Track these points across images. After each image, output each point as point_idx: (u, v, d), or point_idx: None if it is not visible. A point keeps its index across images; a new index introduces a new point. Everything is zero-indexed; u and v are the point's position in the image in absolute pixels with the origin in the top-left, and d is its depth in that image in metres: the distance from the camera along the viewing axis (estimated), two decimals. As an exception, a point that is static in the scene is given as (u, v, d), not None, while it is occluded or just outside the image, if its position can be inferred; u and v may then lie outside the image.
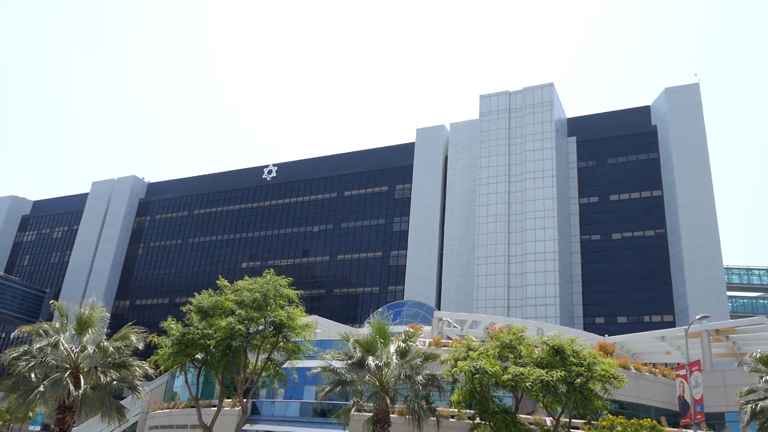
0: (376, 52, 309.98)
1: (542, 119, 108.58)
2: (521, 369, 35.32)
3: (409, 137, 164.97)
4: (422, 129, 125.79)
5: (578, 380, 35.19)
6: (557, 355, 36.25)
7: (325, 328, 59.17)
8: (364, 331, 41.25)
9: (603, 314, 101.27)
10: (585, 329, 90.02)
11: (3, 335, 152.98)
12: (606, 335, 64.01)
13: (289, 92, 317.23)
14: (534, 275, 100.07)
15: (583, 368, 35.30)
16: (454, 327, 71.40)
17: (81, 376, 32.73)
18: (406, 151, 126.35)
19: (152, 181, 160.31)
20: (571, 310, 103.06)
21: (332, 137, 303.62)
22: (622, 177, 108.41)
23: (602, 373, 35.19)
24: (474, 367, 35.62)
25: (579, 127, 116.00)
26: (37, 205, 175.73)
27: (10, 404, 33.22)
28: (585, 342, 40.46)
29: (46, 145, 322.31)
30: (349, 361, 37.66)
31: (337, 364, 38.69)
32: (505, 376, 34.92)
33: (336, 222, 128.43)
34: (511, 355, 37.53)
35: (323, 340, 52.28)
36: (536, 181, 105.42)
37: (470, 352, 37.97)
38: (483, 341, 42.01)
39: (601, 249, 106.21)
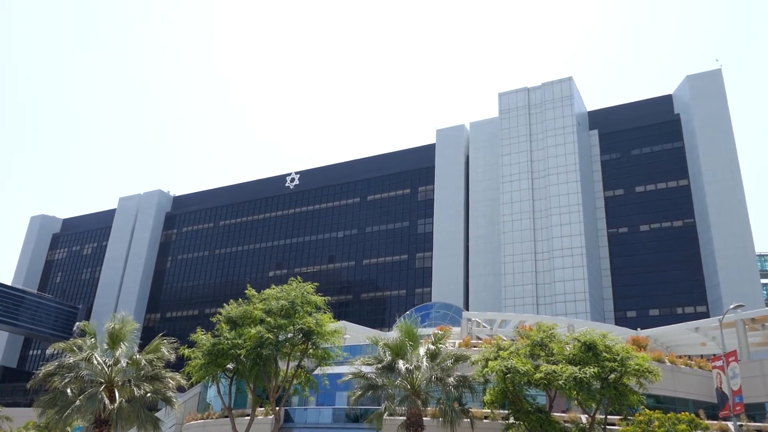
0: (392, 54, 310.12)
1: (563, 114, 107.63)
2: (553, 367, 34.89)
3: (429, 138, 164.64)
4: (442, 130, 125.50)
5: (612, 376, 34.68)
6: (589, 351, 35.76)
7: (353, 333, 59.14)
8: (393, 334, 41.13)
9: (634, 308, 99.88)
10: (616, 323, 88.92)
11: (39, 352, 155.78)
12: (638, 329, 63.06)
13: (307, 99, 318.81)
14: (562, 271, 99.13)
15: (616, 363, 34.77)
16: (484, 327, 70.96)
17: (116, 390, 33.12)
18: (427, 152, 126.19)
19: (177, 194, 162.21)
20: (602, 304, 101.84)
21: (352, 142, 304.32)
22: (647, 168, 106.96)
23: (636, 367, 34.62)
24: (505, 366, 35.28)
25: (600, 119, 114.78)
26: (67, 222, 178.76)
27: (48, 420, 33.74)
28: (617, 337, 39.88)
29: (73, 163, 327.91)
30: (380, 366, 37.54)
31: (367, 368, 38.56)
32: (538, 375, 34.53)
33: (360, 227, 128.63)
34: (543, 353, 37.11)
35: (352, 345, 52.25)
36: (560, 176, 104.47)
37: (501, 352, 37.62)
38: (513, 340, 41.63)
39: (629, 241, 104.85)
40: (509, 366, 35.12)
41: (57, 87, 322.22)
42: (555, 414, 37.89)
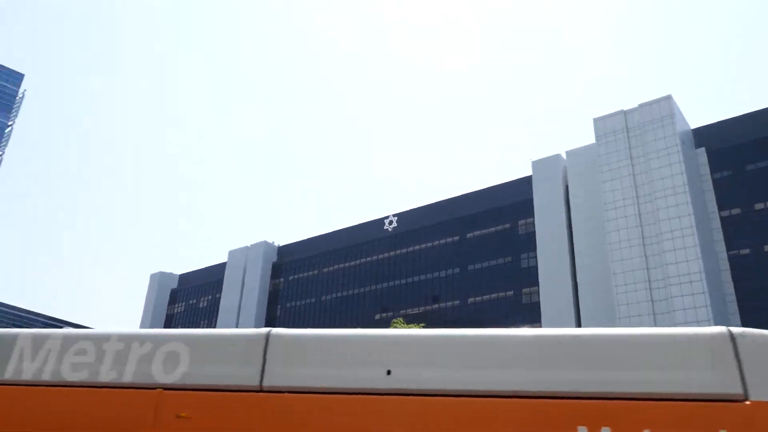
0: (481, 88, 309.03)
1: (664, 134, 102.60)
2: None
3: (524, 170, 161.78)
4: (537, 161, 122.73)
5: None
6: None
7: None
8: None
9: None
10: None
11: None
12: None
13: (401, 138, 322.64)
14: (681, 299, 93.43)
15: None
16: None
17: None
18: (523, 185, 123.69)
19: (282, 244, 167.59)
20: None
21: (448, 179, 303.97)
22: (766, 183, 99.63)
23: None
24: None
25: (707, 136, 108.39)
26: (183, 278, 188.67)
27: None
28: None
29: (187, 220, 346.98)
30: None
31: None
32: None
33: (462, 265, 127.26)
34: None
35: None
36: (668, 199, 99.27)
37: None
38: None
39: (753, 263, 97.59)
40: None
41: (159, 155, 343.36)
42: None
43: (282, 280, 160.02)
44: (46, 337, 7.30)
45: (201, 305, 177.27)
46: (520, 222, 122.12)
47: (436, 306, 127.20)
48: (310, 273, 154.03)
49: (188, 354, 6.60)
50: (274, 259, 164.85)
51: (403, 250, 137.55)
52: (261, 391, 6.17)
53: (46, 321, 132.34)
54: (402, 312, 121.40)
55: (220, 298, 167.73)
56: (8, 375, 6.88)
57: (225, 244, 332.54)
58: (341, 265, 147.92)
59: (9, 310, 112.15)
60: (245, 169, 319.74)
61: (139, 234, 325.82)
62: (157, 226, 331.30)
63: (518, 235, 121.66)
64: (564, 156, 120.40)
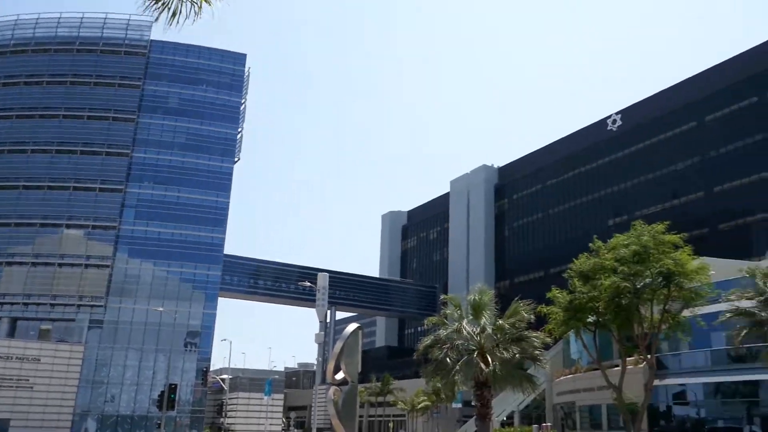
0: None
1: None
2: None
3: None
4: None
5: None
6: None
7: (716, 269, 53.31)
8: (769, 263, 35.87)
9: None
10: None
11: (412, 330, 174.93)
12: None
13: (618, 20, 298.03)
14: None
15: None
16: None
17: (487, 355, 35.04)
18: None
19: (501, 164, 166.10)
20: None
21: (671, 64, 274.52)
22: None
23: None
24: None
25: None
26: (411, 214, 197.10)
27: (434, 386, 37.30)
28: None
29: (407, 154, 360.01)
30: (761, 298, 33.12)
31: (746, 303, 34.42)
32: None
33: (703, 152, 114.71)
34: None
35: (719, 281, 47.32)
36: None
37: None
38: None
39: None
40: None
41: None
42: None
43: (506, 200, 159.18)
44: None
45: (431, 237, 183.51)
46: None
47: (676, 201, 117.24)
48: (534, 188, 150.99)
49: None
50: (496, 181, 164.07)
51: (631, 149, 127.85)
52: None
53: (293, 268, 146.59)
54: (638, 213, 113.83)
55: (448, 227, 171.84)
56: None
57: (447, 175, 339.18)
58: (565, 176, 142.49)
59: (246, 262, 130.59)
60: (452, 94, 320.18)
61: (364, 175, 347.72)
62: (382, 164, 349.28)
63: None
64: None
